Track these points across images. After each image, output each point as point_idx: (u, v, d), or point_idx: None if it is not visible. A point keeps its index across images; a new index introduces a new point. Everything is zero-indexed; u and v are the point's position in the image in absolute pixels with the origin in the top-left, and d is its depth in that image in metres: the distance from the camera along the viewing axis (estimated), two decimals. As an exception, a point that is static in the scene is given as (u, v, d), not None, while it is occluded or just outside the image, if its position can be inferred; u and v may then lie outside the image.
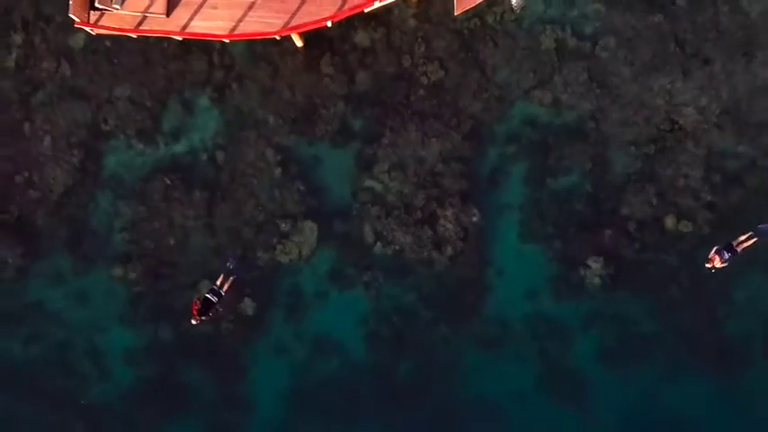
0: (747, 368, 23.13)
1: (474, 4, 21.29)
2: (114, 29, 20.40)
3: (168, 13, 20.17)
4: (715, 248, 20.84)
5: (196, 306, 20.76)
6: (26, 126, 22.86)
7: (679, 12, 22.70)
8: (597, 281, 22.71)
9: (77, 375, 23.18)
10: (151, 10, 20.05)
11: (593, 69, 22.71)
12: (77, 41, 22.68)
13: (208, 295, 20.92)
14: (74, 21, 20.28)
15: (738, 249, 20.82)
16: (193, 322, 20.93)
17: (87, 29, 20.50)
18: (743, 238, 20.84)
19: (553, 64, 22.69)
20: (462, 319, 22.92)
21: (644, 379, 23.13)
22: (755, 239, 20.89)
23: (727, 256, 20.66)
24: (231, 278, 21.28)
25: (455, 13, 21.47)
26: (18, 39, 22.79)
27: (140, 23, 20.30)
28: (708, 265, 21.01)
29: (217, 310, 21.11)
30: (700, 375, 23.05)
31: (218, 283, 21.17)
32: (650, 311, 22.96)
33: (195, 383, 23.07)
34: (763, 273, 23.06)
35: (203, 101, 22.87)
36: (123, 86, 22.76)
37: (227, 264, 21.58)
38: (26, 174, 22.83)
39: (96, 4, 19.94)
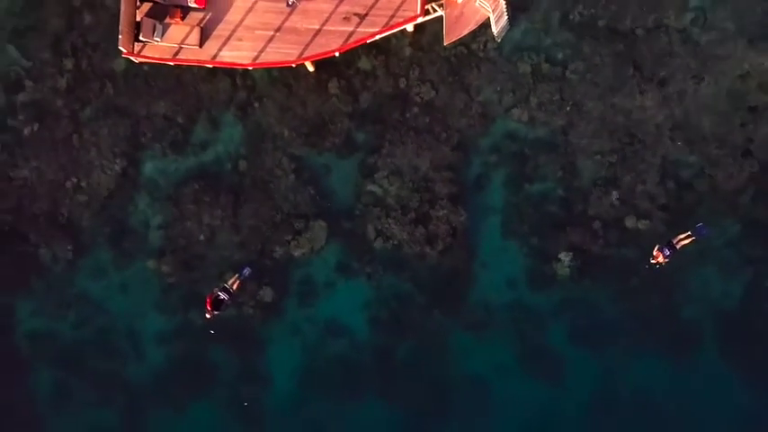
0: (697, 347, 26.52)
1: (461, 36, 24.76)
2: (155, 58, 23.83)
3: (201, 45, 23.61)
4: (657, 246, 23.76)
5: (210, 301, 23.48)
6: (75, 138, 26.19)
7: (638, 41, 26.06)
8: (567, 272, 26.08)
9: (118, 354, 26.54)
10: (186, 42, 23.46)
11: (564, 90, 26.08)
12: (119, 66, 26.04)
13: (220, 293, 23.56)
14: (121, 51, 23.64)
15: (678, 247, 23.81)
16: (207, 316, 23.68)
17: (132, 58, 23.88)
18: (682, 236, 23.87)
19: (529, 86, 26.05)
20: (452, 304, 26.28)
21: (608, 356, 26.45)
22: (693, 238, 23.98)
23: (668, 252, 23.64)
24: (240, 281, 24.03)
25: (445, 43, 24.89)
26: (69, 64, 26.16)
27: (177, 53, 23.72)
28: (652, 261, 23.92)
29: (227, 305, 23.81)
30: (656, 354, 26.37)
31: (230, 283, 23.95)
32: (613, 299, 26.31)
33: (220, 361, 26.44)
34: (711, 265, 26.43)
35: (228, 117, 26.23)
36: (159, 105, 26.15)
37: (243, 271, 24.16)
38: (75, 180, 26.19)
39: (140, 38, 23.34)
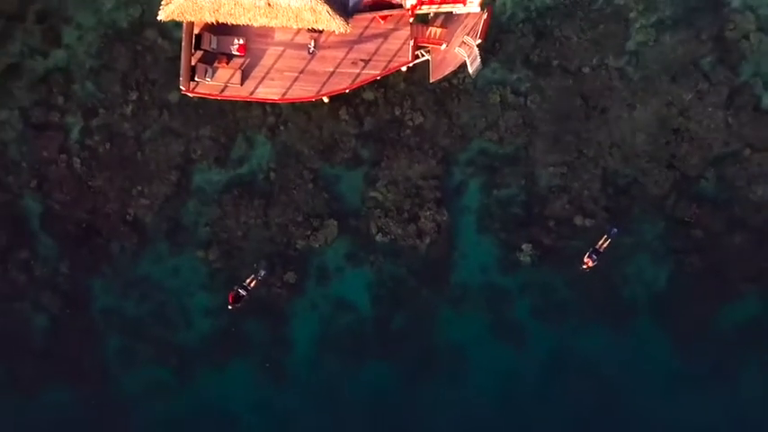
0: (633, 319, 32.94)
1: (444, 75, 31.43)
2: (207, 94, 30.58)
3: (242, 83, 30.33)
4: (586, 254, 29.86)
5: (232, 296, 30.39)
6: (139, 155, 32.90)
7: (584, 77, 32.69)
8: (528, 260, 32.68)
9: (171, 324, 33.17)
10: (230, 82, 30.20)
11: (526, 116, 32.69)
12: (174, 97, 32.70)
13: (240, 290, 30.52)
14: (181, 89, 30.35)
15: (601, 250, 30.11)
16: (230, 308, 30.45)
17: (189, 94, 30.62)
18: (601, 241, 30.21)
19: (498, 113, 32.60)
20: (437, 285, 32.82)
21: (562, 327, 32.91)
22: (609, 240, 30.36)
23: (595, 257, 29.86)
24: (256, 280, 30.92)
25: (431, 80, 31.57)
26: (133, 95, 32.84)
27: (223, 90, 30.47)
28: (584, 267, 30.05)
29: (245, 300, 30.52)
30: (600, 324, 32.88)
31: (247, 282, 30.83)
32: (566, 281, 32.72)
33: (253, 330, 32.99)
34: (643, 254, 32.88)
35: (260, 138, 32.86)
36: (205, 128, 32.79)
37: (259, 272, 31.00)
38: (139, 187, 32.86)
39: (195, 78, 30.10)
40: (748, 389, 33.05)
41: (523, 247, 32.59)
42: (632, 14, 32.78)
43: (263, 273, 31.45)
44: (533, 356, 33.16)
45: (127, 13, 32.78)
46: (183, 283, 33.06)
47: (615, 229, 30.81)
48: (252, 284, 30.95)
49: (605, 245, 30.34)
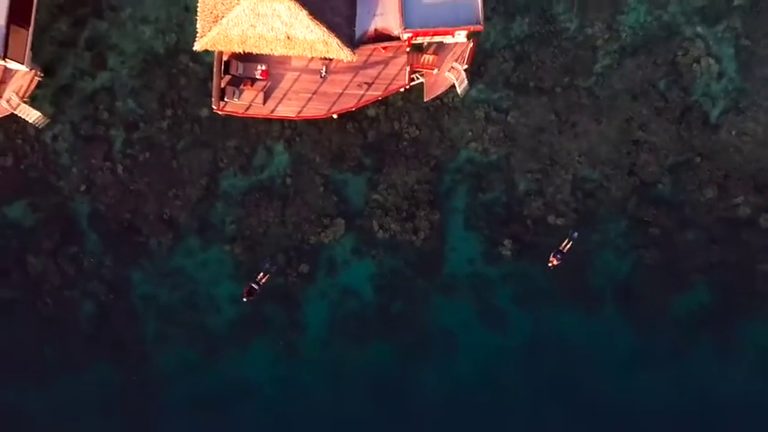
0: (601, 306, 38.05)
1: (436, 95, 36.69)
2: (233, 112, 35.90)
3: (264, 103, 35.64)
4: (552, 254, 35.03)
5: (246, 291, 35.70)
6: (174, 163, 38.19)
7: (556, 95, 37.87)
8: (509, 254, 37.85)
9: (201, 310, 38.46)
10: (254, 101, 35.53)
11: (507, 130, 37.93)
12: (204, 113, 38.05)
13: (253, 285, 35.85)
14: (213, 108, 35.68)
15: (564, 251, 35.31)
16: (244, 299, 35.78)
17: (219, 112, 35.96)
18: (565, 243, 35.45)
19: (483, 127, 37.83)
20: (430, 275, 38.00)
21: (538, 312, 38.02)
22: (571, 242, 35.62)
23: (560, 257, 35.06)
24: (267, 276, 36.19)
25: (425, 100, 36.85)
26: (169, 111, 38.17)
27: (248, 108, 35.78)
28: (550, 265, 35.31)
29: (258, 294, 35.83)
30: (572, 309, 38.02)
31: (259, 278, 36.18)
32: (541, 272, 37.49)
33: (272, 314, 38.23)
34: (608, 250, 37.90)
35: (279, 147, 38.10)
36: (231, 140, 38.13)
37: (266, 264, 36.39)
38: (174, 190, 38.14)
39: (224, 98, 35.43)
40: (699, 366, 38.15)
41: (505, 242, 37.80)
42: (599, 42, 38.01)
43: (273, 269, 36.71)
44: (512, 336, 38.30)
45: (164, 41, 38.06)
46: (212, 273, 38.38)
47: (576, 233, 36.05)
48: (263, 280, 36.34)
49: (568, 246, 35.60)
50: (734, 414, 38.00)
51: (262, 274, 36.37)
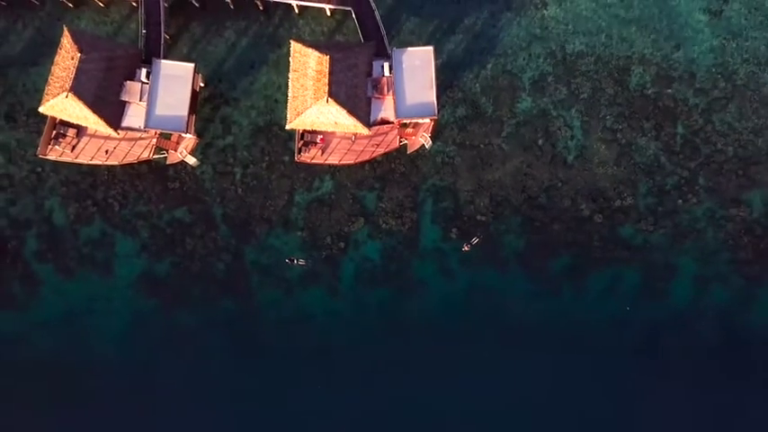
0: (508, 265, 68.39)
1: (415, 149, 67.04)
2: (304, 161, 66.18)
3: (321, 156, 65.93)
4: (464, 244, 65.27)
5: (290, 260, 66.21)
6: (269, 186, 68.65)
7: (481, 149, 68.21)
8: (455, 237, 67.90)
9: (282, 269, 68.73)
10: (315, 155, 65.89)
11: (454, 168, 68.26)
12: (286, 158, 68.47)
13: (295, 260, 66.30)
14: (294, 158, 66.11)
15: (473, 243, 65.48)
16: (287, 261, 66.46)
17: (298, 161, 66.46)
18: (474, 239, 65.66)
19: (440, 166, 67.93)
20: (412, 249, 67.98)
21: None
22: (476, 239, 65.88)
23: (469, 246, 65.29)
24: (299, 261, 66.64)
25: (408, 152, 67.25)
26: (266, 158, 68.61)
27: (312, 158, 66.05)
28: (464, 249, 65.65)
29: (298, 264, 66.64)
30: (490, 269, 68.55)
31: (297, 261, 66.53)
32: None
33: (323, 271, 68.47)
34: (511, 234, 68.28)
35: (327, 177, 68.26)
36: (302, 173, 68.49)
37: (305, 261, 66.97)
38: (269, 201, 68.40)
39: (300, 153, 65.88)
40: (567, 299, 68.33)
41: (453, 230, 68.07)
42: (505, 118, 68.49)
43: (301, 262, 67.20)
44: (458, 282, 68.47)
45: (263, 119, 68.47)
46: (290, 248, 68.54)
47: (480, 233, 66.38)
48: (298, 262, 66.53)
49: (475, 241, 65.95)
50: (592, 326, 68.32)
51: (299, 259, 66.49)
